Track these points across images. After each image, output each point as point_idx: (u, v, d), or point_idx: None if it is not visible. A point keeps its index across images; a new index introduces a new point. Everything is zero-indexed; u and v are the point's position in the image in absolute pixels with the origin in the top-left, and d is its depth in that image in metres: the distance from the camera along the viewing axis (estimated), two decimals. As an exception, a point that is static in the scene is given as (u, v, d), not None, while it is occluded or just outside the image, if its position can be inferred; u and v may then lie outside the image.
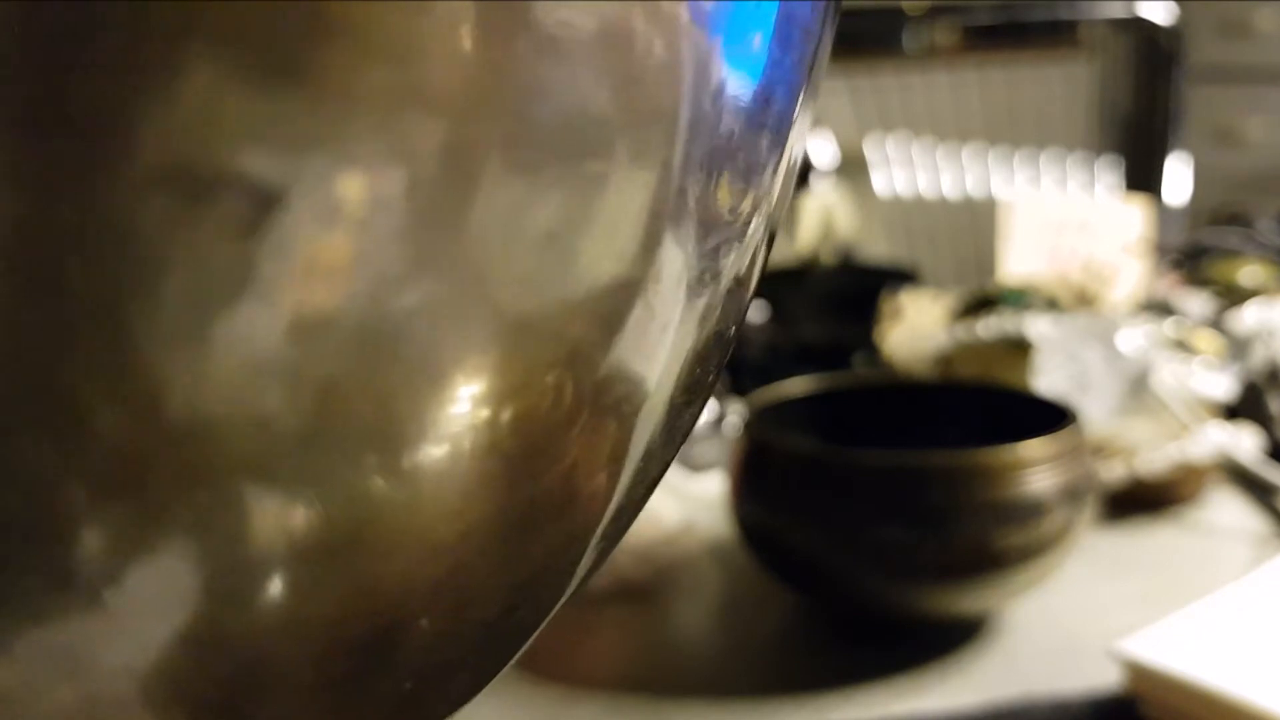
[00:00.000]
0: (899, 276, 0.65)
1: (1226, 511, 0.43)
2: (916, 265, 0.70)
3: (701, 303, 0.16)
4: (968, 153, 1.22)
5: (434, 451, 0.13)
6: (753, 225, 0.16)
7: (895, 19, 1.21)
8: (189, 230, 0.10)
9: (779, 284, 0.63)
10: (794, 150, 0.17)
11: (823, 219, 0.60)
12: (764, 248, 0.17)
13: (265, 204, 0.10)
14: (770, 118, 0.15)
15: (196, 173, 0.10)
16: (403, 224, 0.11)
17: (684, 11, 0.13)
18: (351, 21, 0.10)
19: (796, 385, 0.40)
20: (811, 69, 0.16)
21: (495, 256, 0.12)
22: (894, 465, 0.31)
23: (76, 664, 0.11)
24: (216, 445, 0.11)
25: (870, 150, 1.23)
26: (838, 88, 1.23)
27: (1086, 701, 0.30)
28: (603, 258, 0.13)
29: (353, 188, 0.11)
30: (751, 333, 0.59)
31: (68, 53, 0.09)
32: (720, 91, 0.14)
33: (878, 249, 1.11)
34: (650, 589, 0.38)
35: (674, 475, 0.42)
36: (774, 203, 0.16)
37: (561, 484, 0.15)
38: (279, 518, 0.12)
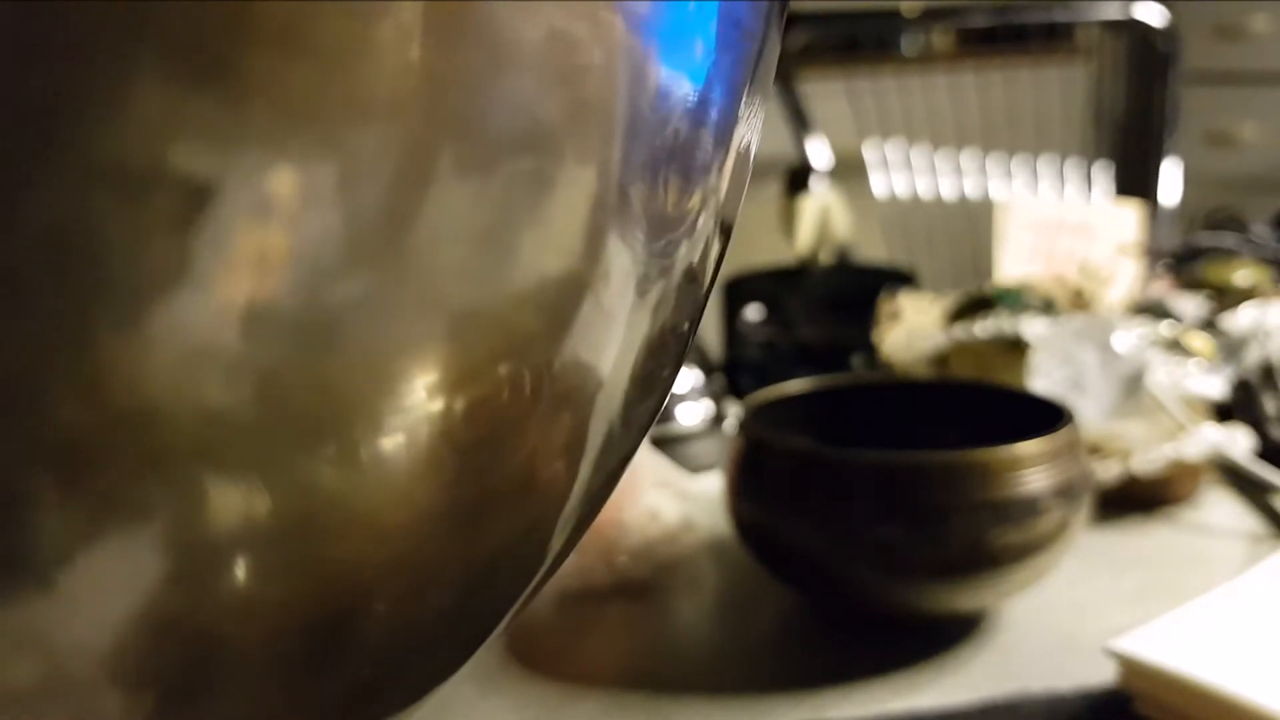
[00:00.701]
0: (897, 278, 0.65)
1: (1221, 511, 0.43)
2: (914, 267, 0.70)
3: (653, 297, 0.16)
4: (965, 156, 1.22)
5: (380, 439, 0.13)
6: (701, 221, 0.16)
7: (893, 22, 1.21)
8: (129, 223, 0.10)
9: (777, 285, 0.63)
10: (742, 147, 0.17)
11: (821, 221, 0.60)
12: (717, 241, 0.17)
13: (198, 198, 0.10)
14: (712, 117, 0.15)
15: (133, 168, 0.10)
16: (340, 219, 0.11)
17: (619, 19, 0.13)
18: (277, 25, 0.10)
19: (794, 385, 0.40)
20: (756, 68, 0.16)
21: (438, 251, 0.12)
22: (890, 464, 0.31)
23: (33, 642, 0.12)
24: (164, 432, 0.11)
25: (869, 153, 1.23)
26: (836, 90, 1.24)
27: (1082, 698, 0.30)
28: (547, 253, 0.14)
29: (284, 184, 0.11)
30: (750, 333, 0.59)
31: (19, 55, 0.10)
32: (658, 93, 0.14)
33: (876, 251, 1.11)
34: (650, 586, 0.38)
35: (673, 474, 0.42)
36: (723, 199, 0.17)
37: (517, 472, 0.15)
38: (228, 502, 0.12)
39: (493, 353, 0.14)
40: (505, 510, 0.15)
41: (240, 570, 0.12)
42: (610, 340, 0.15)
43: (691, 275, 0.17)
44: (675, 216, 0.16)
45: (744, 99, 0.16)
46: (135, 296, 0.11)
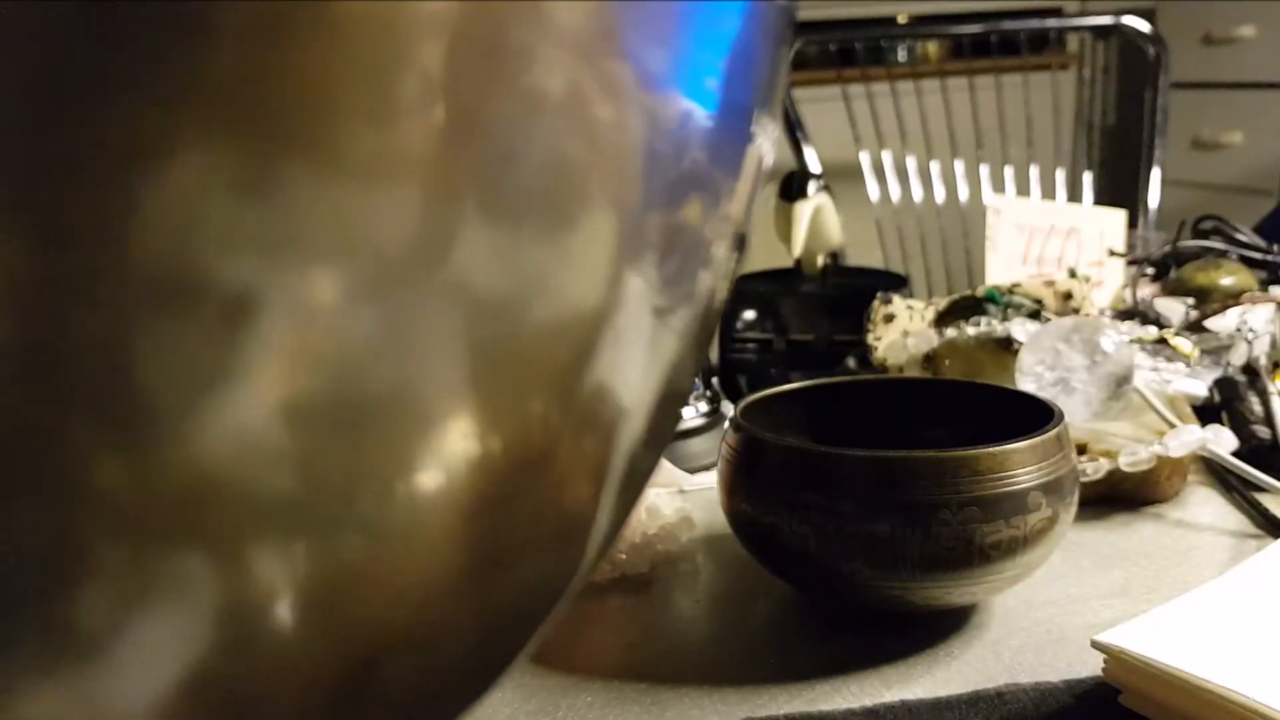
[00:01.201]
0: (890, 281, 0.66)
1: (1205, 509, 0.44)
2: (907, 271, 0.71)
3: (675, 322, 0.16)
4: (958, 162, 1.23)
5: (413, 500, 0.14)
6: (719, 243, 0.17)
7: (886, 31, 1.22)
8: (178, 325, 0.11)
9: (773, 287, 0.64)
10: (755, 165, 0.17)
11: (816, 226, 0.61)
12: (733, 256, 0.18)
13: (243, 302, 0.11)
14: (727, 142, 0.16)
15: (181, 275, 0.11)
16: (378, 312, 0.12)
17: (631, 70, 0.14)
18: (318, 135, 0.11)
19: (788, 385, 0.41)
20: (768, 90, 0.17)
21: (469, 318, 0.13)
22: (883, 462, 0.32)
23: (78, 705, 0.12)
24: (208, 508, 0.12)
25: (862, 159, 1.24)
26: (833, 95, 1.25)
27: (1068, 690, 0.31)
28: (572, 297, 0.14)
29: (323, 286, 0.12)
30: (745, 336, 0.60)
31: (66, 166, 0.10)
32: (674, 129, 0.15)
33: (869, 255, 1.12)
34: (649, 581, 0.39)
35: (672, 472, 0.43)
36: (738, 220, 0.17)
37: (544, 517, 0.16)
38: (266, 569, 0.13)
39: (523, 404, 0.14)
40: (532, 554, 0.16)
41: (276, 632, 0.13)
42: (635, 370, 0.16)
43: (711, 295, 0.17)
44: (694, 242, 0.16)
45: (757, 119, 0.17)
46: (184, 390, 0.11)
